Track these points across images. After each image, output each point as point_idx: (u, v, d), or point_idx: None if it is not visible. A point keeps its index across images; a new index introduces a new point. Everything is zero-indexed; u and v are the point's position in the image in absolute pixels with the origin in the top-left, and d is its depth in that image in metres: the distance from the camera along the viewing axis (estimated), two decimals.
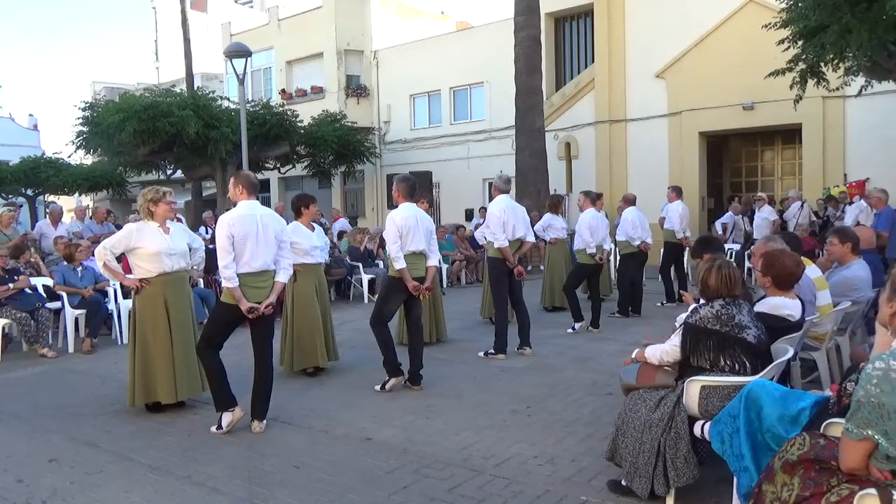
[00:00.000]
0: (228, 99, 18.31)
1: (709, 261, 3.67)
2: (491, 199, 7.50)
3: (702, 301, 3.70)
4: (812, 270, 4.76)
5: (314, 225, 6.80)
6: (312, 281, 6.50)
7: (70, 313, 7.87)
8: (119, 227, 9.47)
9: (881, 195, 9.54)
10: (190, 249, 5.56)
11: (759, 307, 3.94)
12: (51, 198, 23.40)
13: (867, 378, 2.19)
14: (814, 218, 12.94)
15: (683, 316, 3.77)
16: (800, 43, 10.07)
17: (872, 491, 2.20)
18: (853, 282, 5.10)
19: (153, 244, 5.18)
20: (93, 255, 6.57)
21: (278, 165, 19.89)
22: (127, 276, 5.39)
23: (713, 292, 3.54)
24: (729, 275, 3.53)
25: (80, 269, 8.17)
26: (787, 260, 4.05)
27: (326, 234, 9.49)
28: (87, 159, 22.38)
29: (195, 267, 5.86)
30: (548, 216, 10.07)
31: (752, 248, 5.18)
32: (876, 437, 2.17)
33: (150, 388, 5.19)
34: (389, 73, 21.91)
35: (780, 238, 4.98)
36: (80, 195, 25.07)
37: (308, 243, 6.46)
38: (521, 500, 3.57)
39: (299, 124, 18.69)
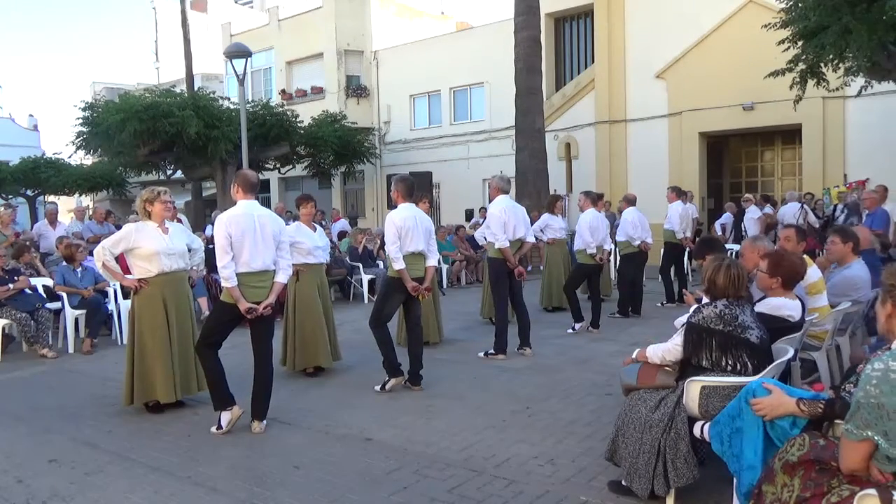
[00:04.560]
0: (228, 99, 18.31)
1: (716, 260, 3.67)
2: (490, 199, 7.50)
3: (704, 301, 3.70)
4: (814, 272, 4.74)
5: (315, 225, 6.80)
6: (314, 281, 6.50)
7: (70, 313, 7.87)
8: (119, 228, 9.47)
9: (874, 195, 9.53)
10: (190, 250, 5.57)
11: (759, 308, 3.94)
12: (51, 198, 23.42)
13: (867, 379, 2.19)
14: (813, 218, 12.96)
15: (683, 318, 3.76)
16: (800, 43, 10.09)
17: (872, 491, 2.20)
18: (854, 281, 5.09)
19: (152, 244, 5.19)
20: (91, 255, 6.58)
21: (278, 166, 19.89)
22: (126, 276, 5.40)
23: (721, 292, 3.53)
24: (737, 275, 3.53)
25: (79, 269, 8.17)
26: (795, 259, 4.06)
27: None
28: (87, 160, 22.38)
29: (195, 267, 5.87)
30: (545, 216, 10.06)
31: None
32: (875, 437, 2.17)
33: (147, 388, 5.19)
34: (389, 74, 21.91)
35: (767, 238, 4.97)
36: (80, 195, 25.09)
37: (311, 243, 6.46)
38: (522, 501, 3.57)
39: (299, 125, 18.68)
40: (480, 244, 9.73)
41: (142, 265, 5.22)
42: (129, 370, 5.22)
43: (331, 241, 12.03)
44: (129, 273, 5.39)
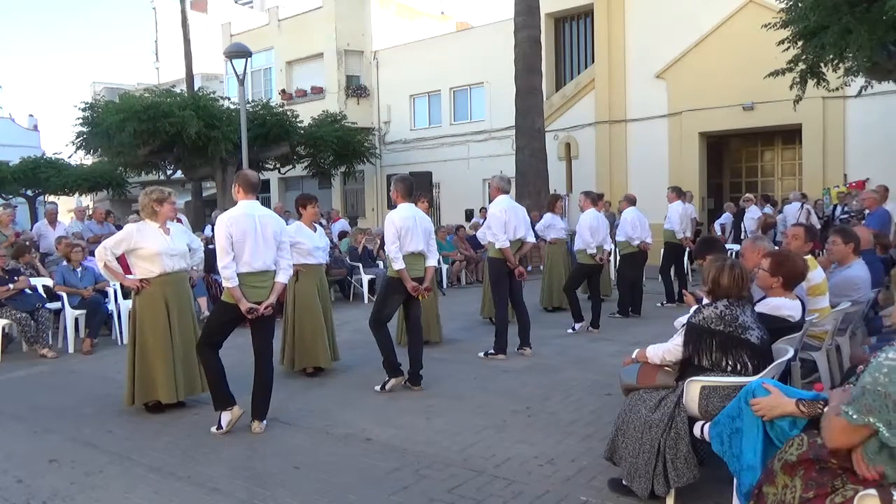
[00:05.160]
0: (229, 99, 18.31)
1: (718, 260, 3.67)
2: (490, 199, 7.50)
3: (704, 301, 3.70)
4: (818, 273, 4.73)
5: (315, 226, 6.79)
6: (314, 281, 6.50)
7: (70, 314, 7.87)
8: (119, 228, 9.46)
9: (874, 195, 9.52)
10: (189, 250, 5.57)
11: (759, 308, 3.93)
12: (50, 198, 23.42)
13: (878, 366, 2.18)
14: (815, 218, 12.96)
15: (682, 319, 3.76)
16: (800, 43, 10.09)
17: (872, 491, 2.21)
18: (854, 281, 5.09)
19: (154, 244, 5.19)
20: (92, 255, 6.58)
21: (278, 166, 19.91)
22: (127, 276, 5.40)
23: (725, 292, 3.53)
24: (741, 275, 3.54)
25: (80, 269, 8.17)
26: (798, 260, 4.06)
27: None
28: (87, 160, 22.39)
29: (195, 267, 5.86)
30: (549, 216, 10.07)
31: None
32: (878, 424, 2.17)
33: (149, 388, 5.19)
34: (389, 74, 21.92)
35: (767, 238, 4.96)
36: (80, 195, 25.09)
37: (311, 244, 6.45)
38: (522, 501, 3.57)
39: (299, 125, 18.69)
40: (482, 244, 9.76)
41: (144, 266, 5.23)
42: (130, 371, 5.22)
43: (331, 241, 12.05)
44: (130, 273, 5.39)
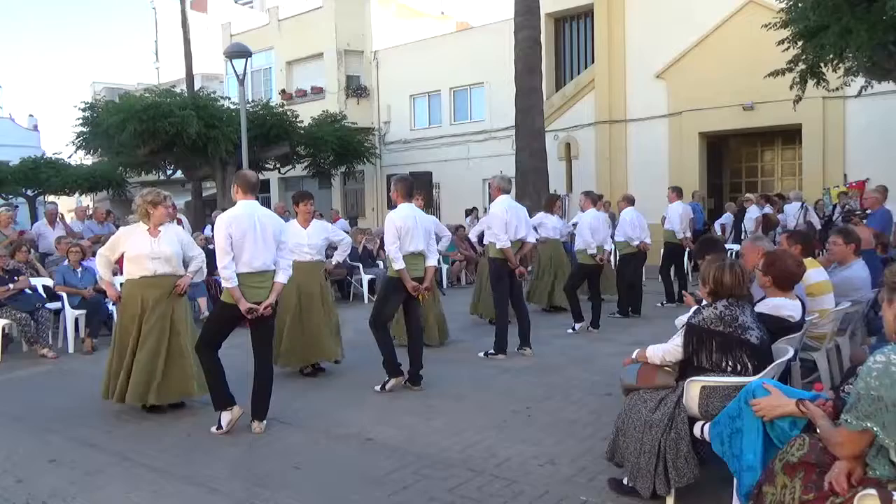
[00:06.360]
0: (229, 99, 18.31)
1: (716, 260, 3.67)
2: (491, 199, 7.49)
3: (704, 302, 3.70)
4: (816, 273, 4.73)
5: (314, 221, 6.63)
6: (294, 277, 6.19)
7: (70, 314, 7.87)
8: (119, 228, 9.45)
9: (876, 195, 9.52)
10: (187, 257, 5.49)
11: (759, 308, 3.93)
12: (50, 198, 23.40)
13: (868, 371, 2.22)
14: (816, 218, 12.96)
15: (683, 318, 3.76)
16: (800, 43, 10.08)
17: (872, 491, 2.22)
18: (854, 282, 5.09)
19: (136, 247, 5.21)
20: (93, 255, 6.58)
21: (278, 166, 19.90)
22: (112, 286, 5.49)
23: (728, 290, 3.53)
24: (741, 273, 3.55)
25: (80, 269, 8.17)
26: (789, 261, 4.05)
27: None
28: (87, 160, 22.38)
29: (188, 274, 5.58)
30: (540, 215, 10.02)
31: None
32: (874, 428, 2.21)
33: (122, 387, 5.16)
34: (389, 74, 21.91)
35: (767, 238, 4.97)
36: (80, 195, 25.07)
37: (293, 240, 6.22)
38: (522, 501, 3.57)
39: (299, 125, 18.69)
40: (472, 240, 9.58)
41: (127, 266, 5.28)
42: (107, 367, 5.29)
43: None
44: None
